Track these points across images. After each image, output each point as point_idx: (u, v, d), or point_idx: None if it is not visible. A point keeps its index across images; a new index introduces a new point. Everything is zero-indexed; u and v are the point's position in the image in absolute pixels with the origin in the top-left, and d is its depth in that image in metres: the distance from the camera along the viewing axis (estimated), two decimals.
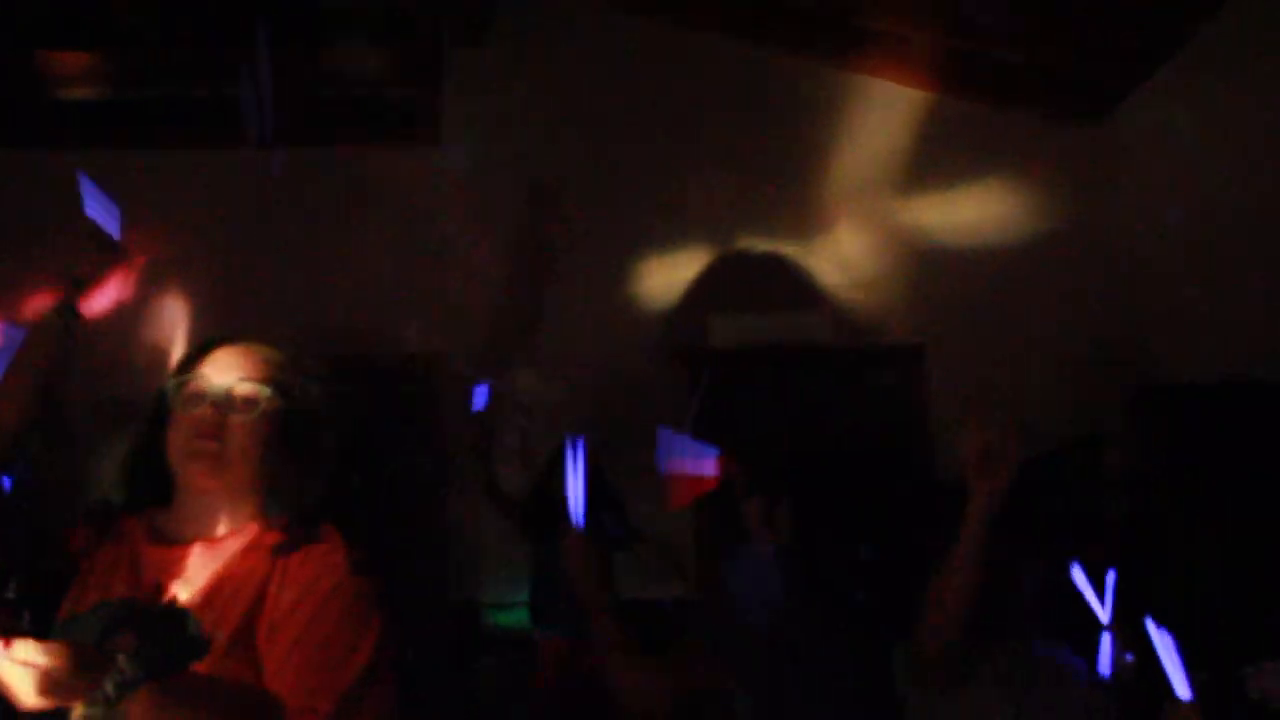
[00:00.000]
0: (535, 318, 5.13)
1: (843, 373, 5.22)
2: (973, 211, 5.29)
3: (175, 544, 1.71)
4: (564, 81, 5.24)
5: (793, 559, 2.52)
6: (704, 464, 2.88)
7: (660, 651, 2.39)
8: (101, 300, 2.45)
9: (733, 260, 5.29)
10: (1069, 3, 4.61)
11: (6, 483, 2.38)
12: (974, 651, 2.27)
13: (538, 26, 5.29)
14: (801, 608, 2.47)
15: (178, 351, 1.85)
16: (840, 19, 5.11)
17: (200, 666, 1.55)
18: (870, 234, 5.33)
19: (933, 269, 5.26)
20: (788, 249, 5.31)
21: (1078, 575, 2.24)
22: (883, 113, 5.34)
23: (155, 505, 1.76)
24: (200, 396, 1.71)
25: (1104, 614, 2.23)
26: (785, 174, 5.31)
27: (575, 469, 2.31)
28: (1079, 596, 2.24)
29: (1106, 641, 2.21)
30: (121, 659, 1.40)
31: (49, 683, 1.35)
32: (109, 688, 1.38)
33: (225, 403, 1.70)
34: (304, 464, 1.75)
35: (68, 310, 2.38)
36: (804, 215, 5.34)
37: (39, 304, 2.41)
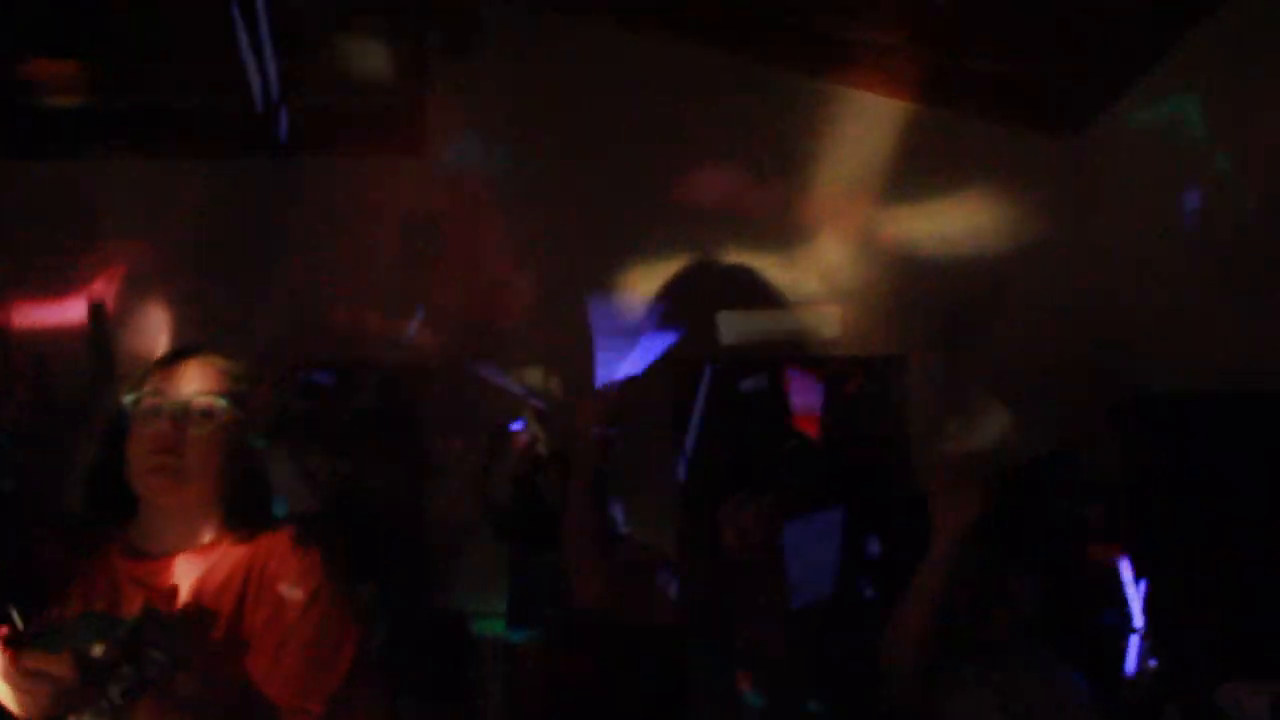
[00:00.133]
0: (527, 321, 5.15)
1: (824, 382, 5.24)
2: (953, 222, 5.33)
3: (147, 557, 1.72)
4: (549, 92, 5.25)
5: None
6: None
7: None
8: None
9: (713, 269, 5.31)
10: (1048, 15, 4.66)
11: None
12: (963, 664, 2.30)
13: (525, 37, 5.30)
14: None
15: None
16: (821, 31, 5.14)
17: (192, 673, 1.56)
18: (851, 244, 5.36)
19: (913, 279, 5.29)
20: (768, 258, 5.34)
21: (1125, 573, 2.27)
22: (863, 123, 5.37)
23: (121, 518, 1.76)
24: (157, 411, 1.72)
25: (1137, 618, 2.26)
26: (766, 184, 5.34)
27: None
28: (1076, 607, 2.28)
29: (1134, 645, 2.24)
30: (126, 669, 1.41)
31: (57, 693, 1.37)
32: (115, 696, 1.40)
33: (183, 417, 1.71)
34: (264, 472, 1.79)
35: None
36: (785, 225, 5.37)
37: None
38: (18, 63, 4.23)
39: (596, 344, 5.04)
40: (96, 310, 2.32)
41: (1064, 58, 4.89)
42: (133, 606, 1.59)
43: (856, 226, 5.34)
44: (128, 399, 1.74)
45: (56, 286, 4.40)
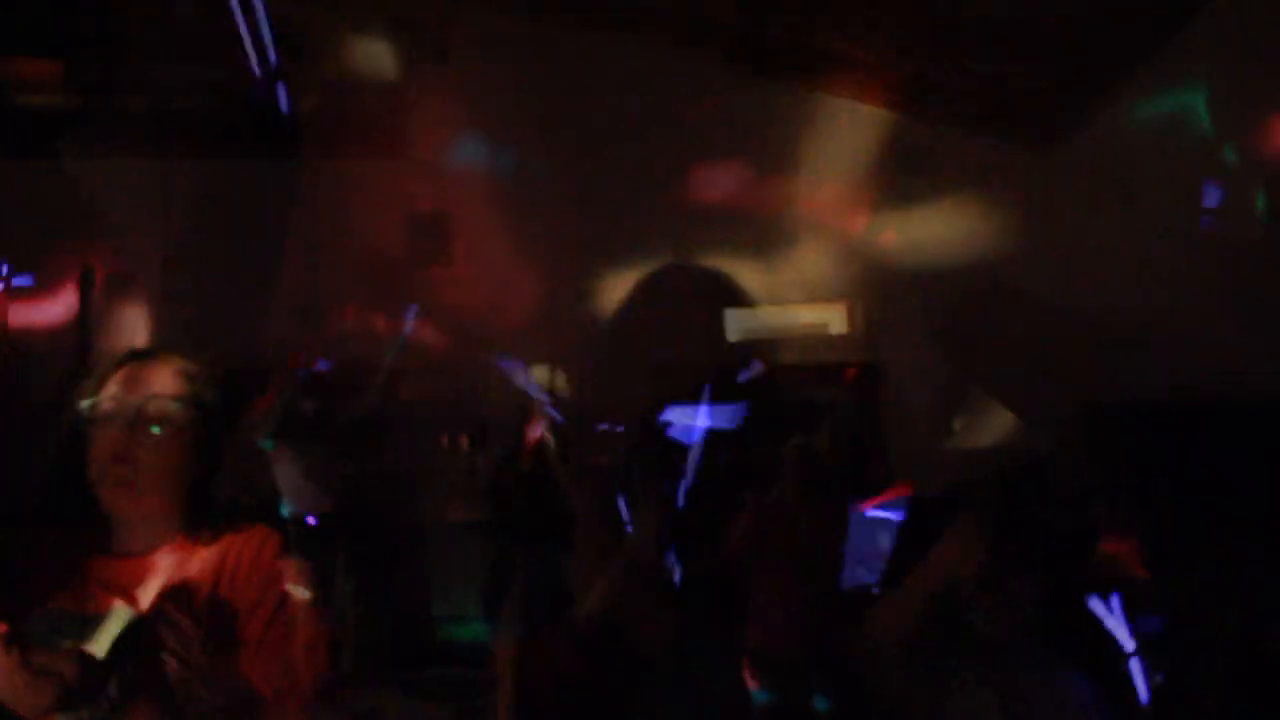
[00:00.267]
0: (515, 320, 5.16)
1: (798, 391, 5.27)
2: (930, 232, 5.38)
3: (115, 557, 1.72)
4: (527, 98, 5.27)
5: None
6: None
7: None
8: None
9: (691, 275, 5.35)
10: (1028, 29, 4.72)
11: None
12: (963, 664, 2.34)
13: (501, 42, 5.32)
14: None
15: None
16: (804, 41, 5.18)
17: (184, 673, 1.58)
18: (829, 253, 5.41)
19: (890, 288, 5.34)
20: (746, 266, 5.38)
21: (1098, 604, 2.31)
22: (843, 133, 5.42)
23: (88, 520, 1.74)
24: (111, 418, 1.70)
25: (1127, 641, 2.29)
26: (744, 192, 5.38)
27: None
28: (1081, 613, 2.32)
29: (1136, 667, 2.28)
30: (127, 668, 1.44)
31: (61, 691, 1.39)
32: (114, 693, 1.42)
33: (136, 422, 1.69)
34: (223, 471, 1.77)
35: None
36: (763, 233, 5.41)
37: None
38: (18, 63, 4.22)
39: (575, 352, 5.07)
40: (84, 305, 2.29)
41: (1043, 73, 4.95)
42: (101, 606, 1.58)
43: (836, 235, 5.39)
44: (84, 404, 1.72)
45: (53, 285, 4.41)
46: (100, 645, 1.48)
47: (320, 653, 1.69)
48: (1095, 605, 2.40)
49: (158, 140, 4.79)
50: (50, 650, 1.46)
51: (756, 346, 5.32)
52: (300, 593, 1.71)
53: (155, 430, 1.69)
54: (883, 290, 5.33)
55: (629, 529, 3.58)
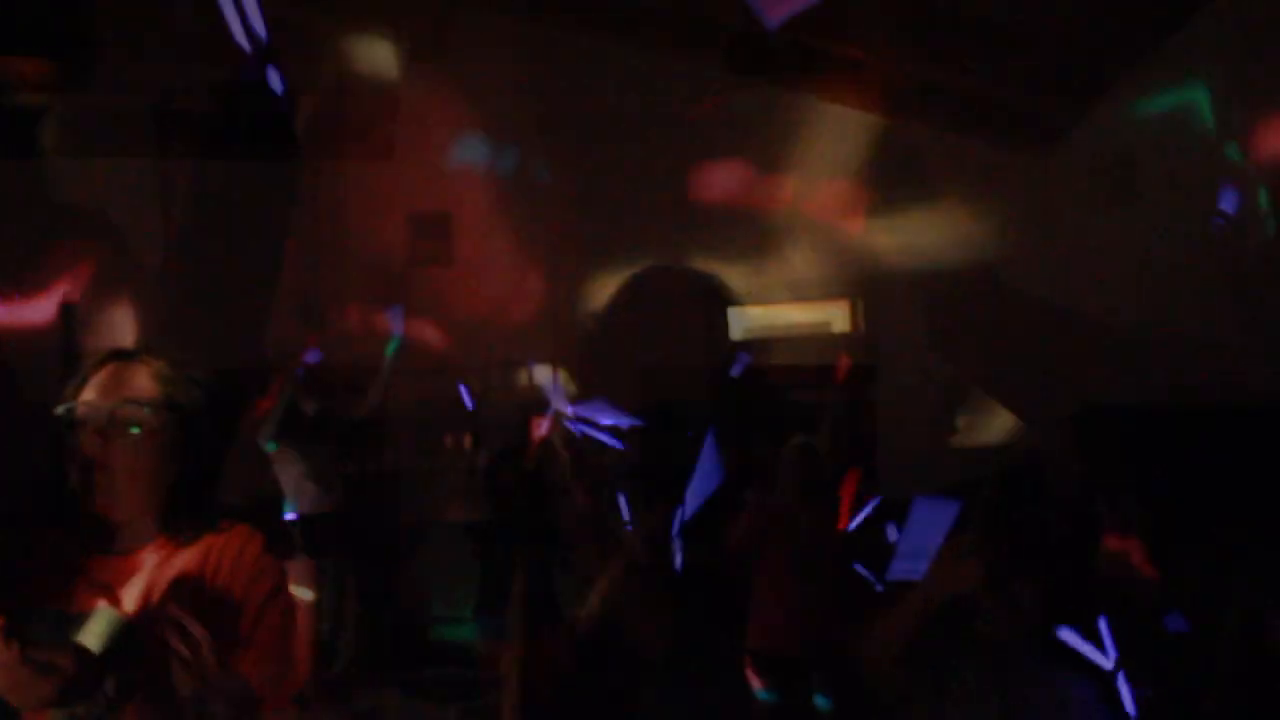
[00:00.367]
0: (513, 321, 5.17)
1: (797, 391, 5.28)
2: (930, 232, 5.39)
3: (101, 555, 1.71)
4: (527, 98, 5.28)
5: None
6: None
7: None
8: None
9: (683, 277, 5.36)
10: (1028, 29, 4.72)
11: None
12: (963, 664, 2.34)
13: (501, 42, 5.32)
14: None
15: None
16: (801, 45, 5.18)
17: (178, 672, 1.56)
18: (828, 253, 5.42)
19: (890, 289, 5.35)
20: (746, 265, 5.39)
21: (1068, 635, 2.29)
22: (842, 133, 5.42)
23: (77, 518, 1.73)
24: (84, 423, 1.68)
25: (1107, 660, 2.29)
26: (743, 192, 5.38)
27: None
28: (1081, 615, 2.31)
29: (1122, 683, 2.27)
30: (125, 666, 1.44)
31: (59, 686, 1.39)
32: (110, 691, 1.42)
33: (110, 426, 1.68)
34: (201, 471, 1.75)
35: None
36: (763, 233, 5.41)
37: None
38: (17, 62, 4.22)
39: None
40: (67, 309, 2.28)
41: (1041, 72, 4.96)
42: (86, 605, 1.58)
43: (830, 238, 5.39)
44: (61, 409, 1.70)
45: (50, 285, 4.41)
46: (90, 643, 1.48)
47: (307, 652, 1.68)
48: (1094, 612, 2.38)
49: (158, 140, 4.81)
50: (48, 646, 1.46)
51: (755, 346, 5.33)
52: (302, 593, 1.71)
53: (133, 431, 1.68)
54: (883, 290, 5.33)
55: (629, 529, 3.59)
